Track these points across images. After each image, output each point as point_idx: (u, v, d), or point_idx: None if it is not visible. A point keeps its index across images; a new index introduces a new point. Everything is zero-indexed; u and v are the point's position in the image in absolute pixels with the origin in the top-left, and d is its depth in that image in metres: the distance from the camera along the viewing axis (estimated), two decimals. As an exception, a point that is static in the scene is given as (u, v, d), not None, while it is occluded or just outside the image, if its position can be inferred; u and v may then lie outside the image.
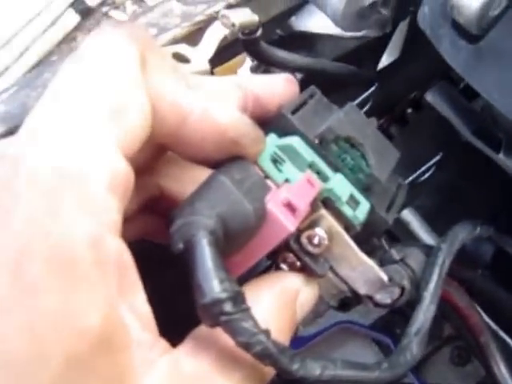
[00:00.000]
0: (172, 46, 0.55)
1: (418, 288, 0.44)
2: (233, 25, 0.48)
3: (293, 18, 0.66)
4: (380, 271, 0.39)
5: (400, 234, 0.64)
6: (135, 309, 0.29)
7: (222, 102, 0.35)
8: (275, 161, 0.36)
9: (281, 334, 0.33)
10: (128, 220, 0.31)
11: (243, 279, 0.35)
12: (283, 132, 0.38)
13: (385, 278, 0.39)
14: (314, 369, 0.32)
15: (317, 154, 0.38)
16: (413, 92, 0.76)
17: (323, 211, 0.37)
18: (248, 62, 0.63)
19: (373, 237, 0.42)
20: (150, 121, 0.31)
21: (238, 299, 0.29)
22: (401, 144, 0.67)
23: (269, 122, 0.39)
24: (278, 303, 0.34)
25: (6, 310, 0.26)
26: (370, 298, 0.41)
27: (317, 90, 0.43)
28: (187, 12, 0.60)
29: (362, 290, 0.39)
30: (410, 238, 0.64)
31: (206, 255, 0.30)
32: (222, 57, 0.59)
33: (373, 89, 0.71)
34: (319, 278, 0.37)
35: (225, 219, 0.32)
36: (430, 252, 0.47)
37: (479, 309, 0.55)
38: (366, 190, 0.39)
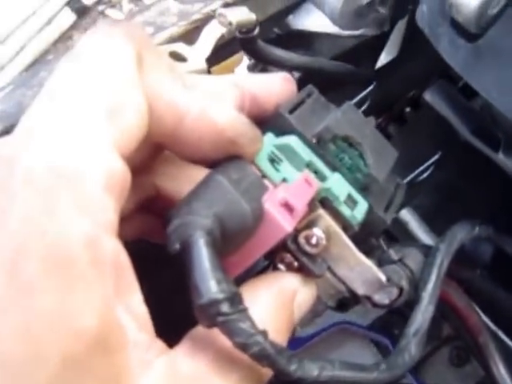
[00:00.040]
0: (169, 45, 0.55)
1: (417, 288, 0.44)
2: (230, 23, 0.48)
3: (290, 17, 0.65)
4: (378, 271, 0.39)
5: (398, 234, 0.64)
6: (132, 309, 0.29)
7: (219, 101, 0.35)
8: (272, 160, 0.36)
9: (278, 335, 0.33)
10: (125, 220, 0.31)
11: (240, 279, 0.35)
12: (281, 131, 0.38)
13: (383, 278, 0.39)
14: (312, 370, 0.32)
15: (314, 154, 0.38)
16: (411, 91, 0.77)
17: (321, 211, 0.37)
18: (245, 61, 0.62)
19: (371, 237, 0.41)
20: (146, 120, 0.31)
21: (235, 300, 0.29)
22: (399, 143, 0.67)
23: (266, 121, 0.38)
24: (275, 304, 0.34)
25: (2, 310, 0.26)
26: (368, 298, 0.40)
27: (314, 89, 0.42)
28: (184, 10, 0.60)
29: (360, 290, 0.39)
30: (409, 238, 0.64)
31: (203, 256, 0.29)
32: (219, 55, 0.59)
33: (371, 88, 0.70)
34: (317, 278, 0.37)
35: (222, 219, 0.32)
36: (428, 252, 0.47)
37: (478, 309, 0.55)
38: (364, 189, 0.39)
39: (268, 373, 0.32)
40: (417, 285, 0.44)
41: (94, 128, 0.29)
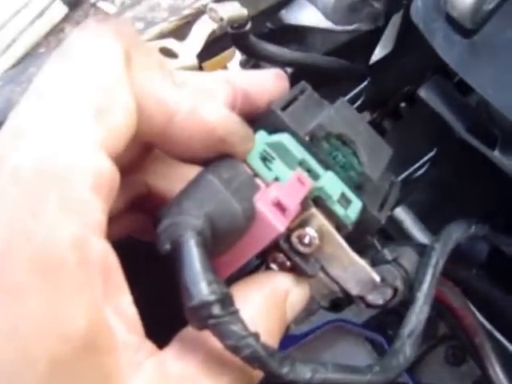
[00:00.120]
0: (159, 41, 0.54)
1: (412, 288, 0.44)
2: (221, 19, 0.47)
3: (283, 12, 0.65)
4: (372, 271, 0.38)
5: (393, 232, 0.64)
6: (121, 311, 0.29)
7: (210, 99, 0.35)
8: (264, 159, 0.36)
9: (270, 335, 0.33)
10: (115, 219, 0.32)
11: (232, 279, 0.35)
12: (273, 129, 0.38)
13: (377, 278, 0.39)
14: (304, 372, 0.31)
15: (307, 152, 0.37)
16: (406, 86, 0.76)
17: (314, 210, 0.36)
18: (238, 56, 0.62)
19: (365, 236, 0.41)
20: (135, 120, 0.31)
21: (227, 302, 0.29)
22: (394, 139, 0.67)
23: (258, 118, 0.38)
24: (267, 304, 0.34)
25: None
26: (362, 298, 0.40)
27: (307, 85, 0.42)
28: (175, 6, 0.59)
29: (354, 290, 0.39)
30: (403, 236, 0.64)
31: (194, 256, 0.29)
32: (210, 51, 0.58)
33: (365, 83, 0.70)
34: (310, 278, 0.37)
35: (213, 219, 0.32)
36: (423, 251, 0.47)
37: (474, 309, 0.54)
38: (357, 188, 0.39)
39: (259, 374, 0.31)
40: (412, 285, 0.44)
41: (81, 128, 0.29)
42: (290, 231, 0.35)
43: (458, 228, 0.49)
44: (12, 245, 0.26)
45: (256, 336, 0.29)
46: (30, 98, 0.30)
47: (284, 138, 0.37)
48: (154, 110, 0.32)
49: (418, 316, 0.42)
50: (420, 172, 0.66)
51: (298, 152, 0.37)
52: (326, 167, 0.38)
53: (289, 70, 0.61)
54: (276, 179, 0.35)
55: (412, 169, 0.66)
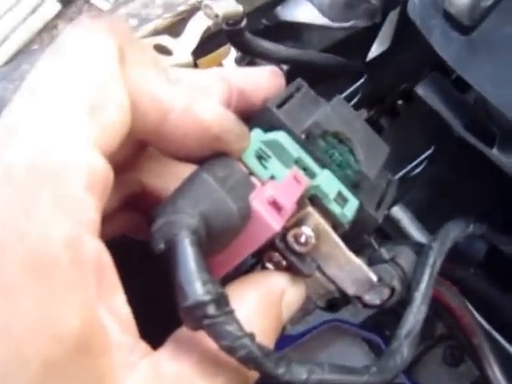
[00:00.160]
0: (153, 38, 0.54)
1: (409, 288, 0.44)
2: (216, 15, 0.47)
3: (279, 8, 0.65)
4: (369, 271, 0.38)
5: (390, 231, 0.64)
6: (114, 311, 0.29)
7: (205, 96, 0.35)
8: (260, 157, 0.36)
9: (265, 335, 0.33)
10: (109, 217, 0.32)
11: (228, 278, 0.35)
12: (269, 127, 0.37)
13: (374, 278, 0.38)
14: (300, 373, 0.31)
15: (303, 150, 0.37)
16: (403, 83, 0.76)
17: (310, 209, 0.36)
18: (233, 53, 0.62)
19: (362, 235, 0.41)
20: (129, 117, 0.31)
21: (222, 302, 0.29)
22: (391, 137, 0.67)
23: (254, 116, 0.38)
24: (262, 303, 0.34)
25: None
26: (359, 298, 0.40)
27: (303, 82, 0.42)
28: (169, 2, 0.59)
29: (351, 290, 0.39)
30: (401, 235, 0.64)
31: (189, 256, 0.29)
32: (205, 48, 0.58)
33: (362, 80, 0.70)
34: (306, 277, 0.37)
35: (208, 218, 0.31)
36: (421, 250, 0.47)
37: (472, 309, 0.54)
38: (354, 186, 0.39)
39: (254, 375, 0.31)
40: (409, 284, 0.44)
41: (75, 125, 0.28)
42: (285, 230, 0.35)
43: (456, 227, 0.49)
44: (4, 244, 0.26)
45: (251, 336, 0.29)
46: (22, 95, 0.29)
47: (280, 136, 0.36)
48: (148, 108, 0.31)
49: (415, 316, 0.42)
50: (417, 170, 0.66)
51: (294, 150, 0.36)
52: (323, 165, 0.37)
53: (285, 67, 0.61)
54: (272, 178, 0.35)
55: (409, 167, 0.66)
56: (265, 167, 0.35)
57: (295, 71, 0.59)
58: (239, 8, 0.49)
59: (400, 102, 0.78)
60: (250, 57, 0.62)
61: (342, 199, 0.37)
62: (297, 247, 0.35)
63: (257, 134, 0.37)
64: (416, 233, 0.63)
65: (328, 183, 0.37)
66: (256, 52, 0.55)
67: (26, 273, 0.26)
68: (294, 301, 0.36)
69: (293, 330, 0.74)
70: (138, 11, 0.57)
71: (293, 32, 0.65)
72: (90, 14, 0.32)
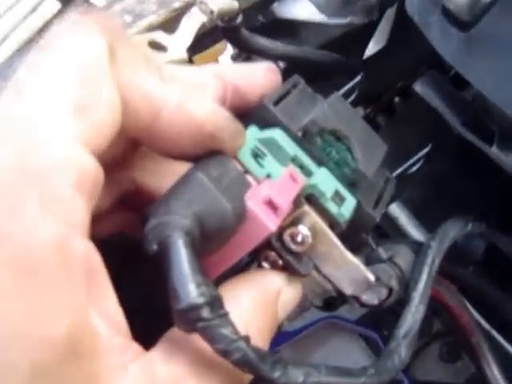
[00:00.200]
0: (148, 34, 0.54)
1: (407, 288, 0.43)
2: (211, 11, 0.47)
3: (275, 4, 0.65)
4: (366, 271, 0.38)
5: (387, 229, 0.64)
6: (105, 313, 0.28)
7: (199, 93, 0.34)
8: (256, 155, 0.35)
9: (261, 334, 0.32)
10: (103, 217, 0.32)
11: (223, 277, 0.34)
12: (264, 124, 0.37)
13: (371, 277, 0.38)
14: (297, 376, 0.31)
15: (300, 148, 0.37)
16: (400, 81, 0.77)
17: (307, 208, 0.36)
18: (230, 50, 0.62)
19: (359, 234, 0.40)
20: (119, 115, 0.30)
21: (216, 304, 0.28)
22: (388, 135, 0.66)
23: (249, 113, 0.37)
24: (258, 302, 0.34)
25: None
26: (356, 298, 0.40)
27: (300, 79, 0.41)
28: (164, -2, 0.59)
29: (348, 290, 0.38)
30: (398, 233, 0.64)
31: (182, 257, 0.29)
32: (201, 44, 0.58)
33: (359, 78, 0.70)
34: (302, 277, 0.36)
35: (202, 218, 0.31)
36: (419, 249, 0.46)
37: (471, 308, 0.54)
38: (352, 185, 0.38)
39: (249, 376, 0.31)
40: (407, 284, 0.43)
41: (62, 124, 0.28)
42: (282, 229, 0.35)
43: (455, 226, 0.49)
44: None
45: (247, 339, 0.29)
46: (8, 93, 0.29)
47: (276, 134, 0.36)
48: (139, 105, 0.31)
49: (413, 316, 0.42)
50: (415, 168, 0.66)
51: (291, 148, 0.36)
52: (320, 164, 0.37)
53: (281, 64, 0.61)
54: (268, 176, 0.35)
55: (406, 165, 0.66)
56: (261, 165, 0.35)
57: (292, 69, 0.59)
58: (234, 4, 0.49)
59: (397, 99, 0.78)
60: (246, 53, 0.62)
61: (339, 198, 0.37)
62: (293, 246, 0.35)
63: (252, 132, 0.36)
64: (413, 230, 0.63)
65: (325, 182, 0.36)
66: (252, 48, 0.55)
67: (12, 275, 0.25)
68: (290, 300, 0.36)
69: (289, 326, 0.74)
70: (132, 7, 0.57)
71: (289, 29, 0.65)
72: (80, 9, 0.32)
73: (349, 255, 0.37)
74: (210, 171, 0.32)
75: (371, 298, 0.40)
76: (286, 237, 0.35)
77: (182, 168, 0.33)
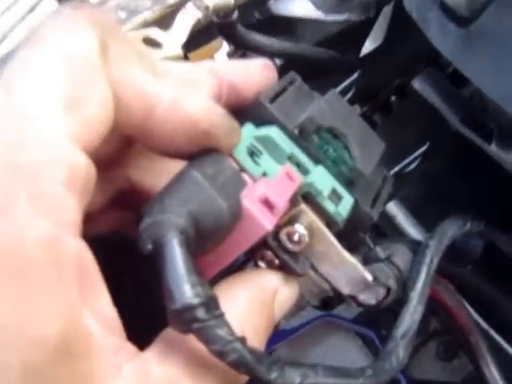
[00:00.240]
0: (143, 30, 0.53)
1: (405, 287, 0.43)
2: (206, 7, 0.47)
3: (272, 1, 0.65)
4: (364, 270, 0.38)
5: (385, 228, 0.64)
6: (98, 312, 0.28)
7: (194, 90, 0.34)
8: (252, 153, 0.35)
9: (257, 334, 0.32)
10: (97, 215, 0.32)
11: (219, 276, 0.34)
12: (261, 121, 0.36)
13: (369, 277, 0.38)
14: (294, 377, 0.30)
15: (297, 146, 0.36)
16: (397, 79, 0.76)
17: (303, 206, 0.35)
18: (226, 47, 0.61)
19: (357, 233, 0.40)
20: (111, 112, 0.30)
21: (211, 305, 0.28)
22: (385, 133, 0.66)
23: (245, 110, 0.37)
24: (254, 302, 0.33)
25: None
26: (354, 298, 0.40)
27: (297, 75, 0.41)
28: (159, -6, 0.58)
29: (345, 289, 0.38)
30: (396, 232, 0.64)
31: (177, 257, 0.28)
32: (196, 41, 0.58)
33: (355, 75, 0.70)
34: (299, 276, 0.36)
35: (197, 217, 0.30)
36: (417, 249, 0.46)
37: (469, 307, 0.54)
38: (349, 183, 0.38)
39: (245, 376, 0.31)
40: (405, 284, 0.43)
41: (53, 120, 0.27)
42: (278, 228, 0.34)
43: (453, 225, 0.49)
44: None
45: (243, 340, 0.28)
46: None
47: (272, 132, 0.35)
48: (131, 102, 0.30)
49: (411, 316, 0.42)
50: (412, 166, 0.66)
51: (287, 146, 0.36)
52: (316, 162, 0.37)
53: (278, 61, 0.60)
54: (264, 174, 0.34)
55: (404, 163, 0.66)
56: (257, 163, 0.35)
57: (288, 66, 0.58)
58: (230, 0, 0.49)
59: (393, 98, 0.78)
60: (242, 50, 0.62)
61: (336, 196, 0.37)
62: (290, 246, 0.34)
63: (248, 129, 0.36)
64: (411, 229, 0.63)
65: (322, 180, 0.36)
66: (249, 45, 0.55)
67: (2, 275, 0.25)
68: (286, 300, 0.35)
69: (286, 324, 0.74)
70: (127, 3, 0.57)
71: (286, 26, 0.65)
72: (72, 4, 0.31)
73: (346, 254, 0.37)
74: (205, 169, 0.32)
75: (369, 298, 0.40)
76: (283, 236, 0.34)
77: (176, 166, 0.33)
